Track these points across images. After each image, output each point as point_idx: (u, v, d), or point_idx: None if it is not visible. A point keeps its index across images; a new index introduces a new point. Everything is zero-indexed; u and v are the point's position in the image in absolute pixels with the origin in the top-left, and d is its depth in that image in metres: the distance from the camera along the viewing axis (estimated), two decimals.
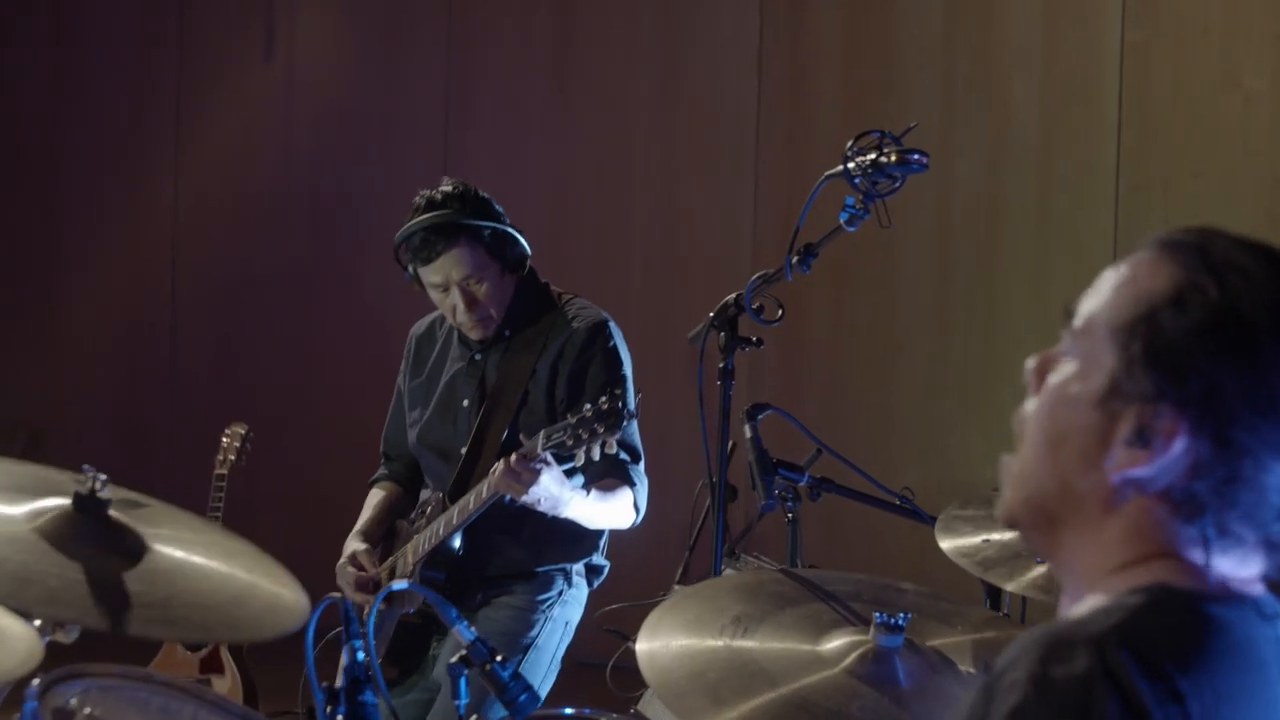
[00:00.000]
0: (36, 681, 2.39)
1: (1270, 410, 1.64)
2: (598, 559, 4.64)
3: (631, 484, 4.44)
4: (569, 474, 4.26)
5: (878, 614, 2.75)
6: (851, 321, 7.85)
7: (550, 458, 4.09)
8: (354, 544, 4.64)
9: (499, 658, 2.68)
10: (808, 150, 8.02)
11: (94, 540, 2.45)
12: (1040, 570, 3.54)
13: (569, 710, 2.87)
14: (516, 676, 2.67)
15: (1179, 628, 1.62)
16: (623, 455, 4.33)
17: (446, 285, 4.46)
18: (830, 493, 3.05)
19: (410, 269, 4.52)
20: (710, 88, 8.32)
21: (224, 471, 6.49)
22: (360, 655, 2.62)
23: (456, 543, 4.46)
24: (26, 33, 9.76)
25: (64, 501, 2.52)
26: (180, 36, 9.59)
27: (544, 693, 4.55)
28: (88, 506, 2.49)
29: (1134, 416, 1.66)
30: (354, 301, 8.99)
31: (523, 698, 2.67)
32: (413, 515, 4.69)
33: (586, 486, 4.37)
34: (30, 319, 9.84)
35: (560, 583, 4.55)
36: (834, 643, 2.79)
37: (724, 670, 2.71)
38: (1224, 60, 7.25)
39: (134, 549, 2.48)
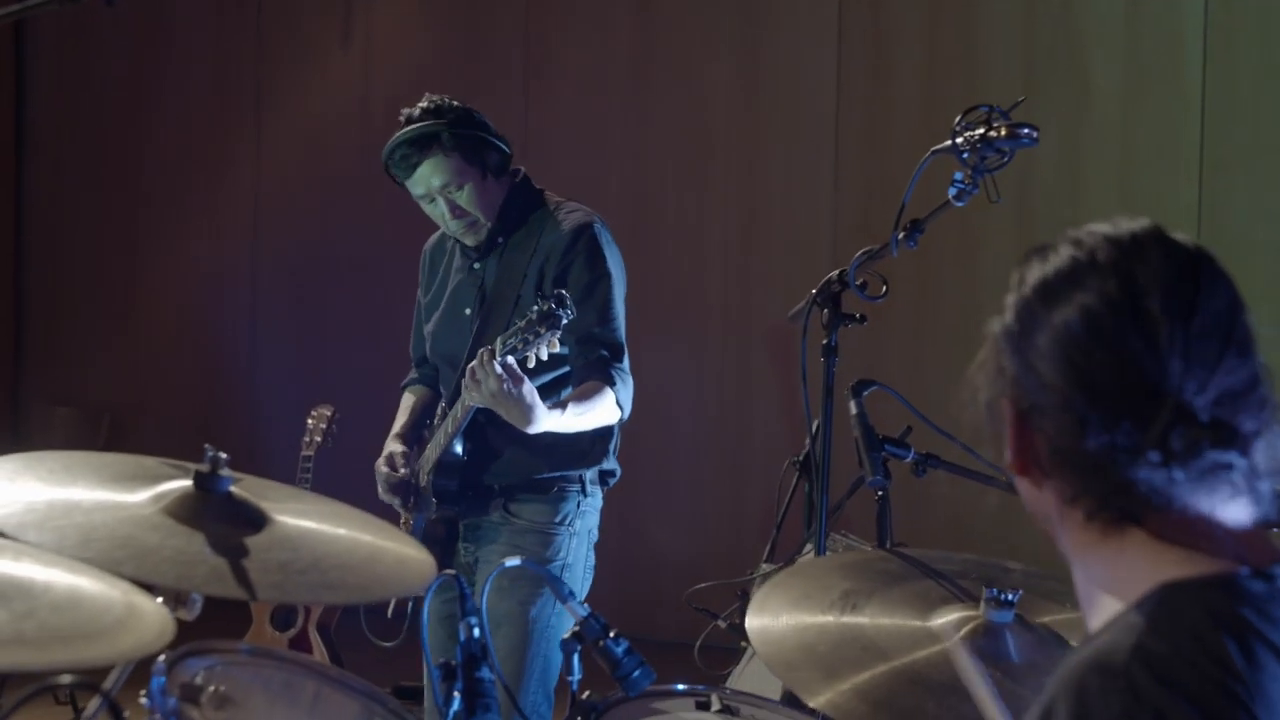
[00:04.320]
0: (162, 657, 2.42)
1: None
2: (609, 464, 4.63)
3: (612, 383, 4.42)
4: (552, 385, 4.37)
5: (988, 589, 2.74)
6: (934, 298, 7.83)
7: (501, 368, 4.11)
8: (391, 445, 4.75)
9: (612, 633, 2.68)
10: (887, 126, 8.00)
11: (224, 516, 2.47)
12: None
13: (681, 686, 2.87)
14: (630, 652, 2.67)
15: (1200, 643, 1.62)
16: (604, 352, 4.40)
17: (430, 196, 4.58)
18: (936, 469, 3.03)
19: (402, 185, 4.65)
20: (789, 63, 8.30)
21: (310, 453, 6.54)
22: (476, 631, 2.63)
23: (459, 449, 4.54)
24: (109, 21, 9.82)
25: (185, 484, 2.54)
26: (259, 23, 9.63)
27: (584, 592, 4.58)
28: (210, 484, 2.52)
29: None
30: None
31: (636, 673, 2.68)
32: (430, 421, 4.77)
33: (564, 399, 4.39)
34: (112, 305, 9.92)
35: (575, 494, 4.56)
36: (944, 618, 2.79)
37: (836, 644, 2.72)
38: None
39: (260, 521, 2.50)
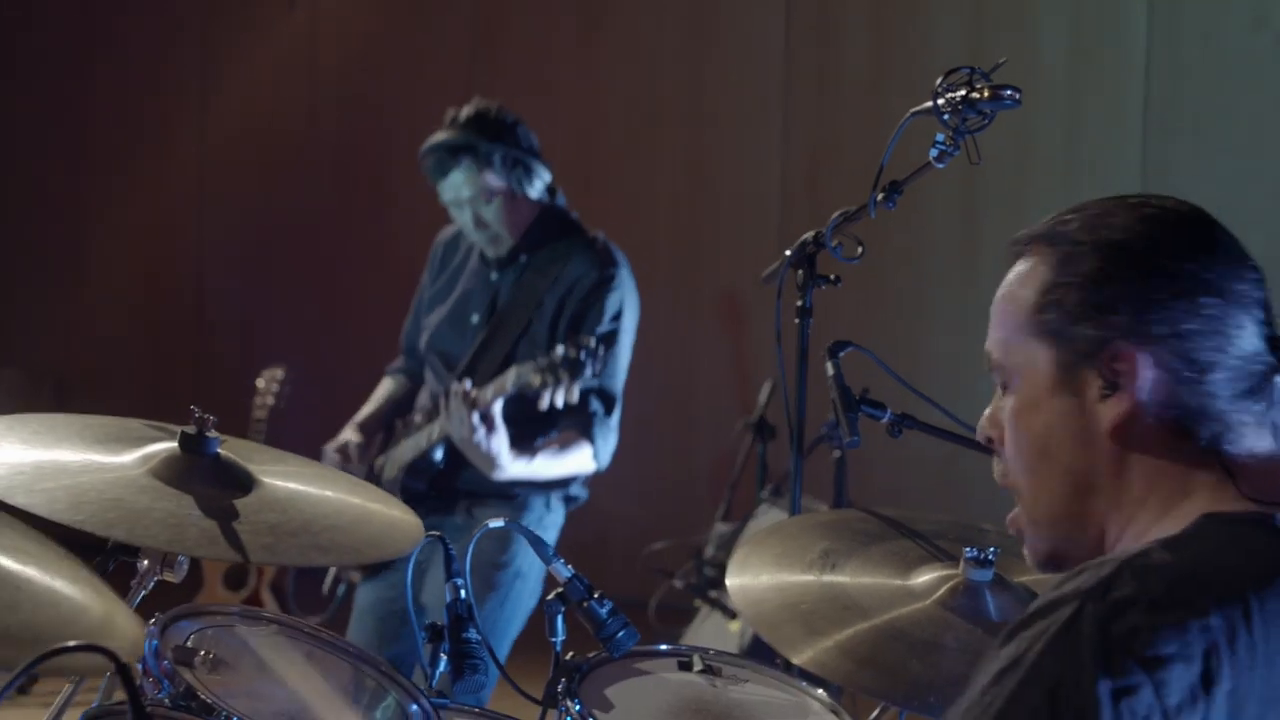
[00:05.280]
0: (154, 620, 2.41)
1: (1190, 292, 1.75)
2: (576, 489, 4.66)
3: (592, 439, 4.49)
4: (538, 421, 4.35)
5: (968, 549, 2.77)
6: (880, 263, 7.83)
7: (478, 419, 4.14)
8: (348, 433, 4.77)
9: (596, 594, 2.69)
10: (835, 88, 8.01)
11: (212, 478, 2.46)
12: None
13: (664, 646, 2.88)
14: (615, 612, 2.68)
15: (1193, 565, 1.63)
16: (594, 406, 4.44)
17: (458, 203, 4.58)
18: (912, 429, 3.05)
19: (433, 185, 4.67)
20: (738, 27, 8.30)
21: (262, 416, 6.51)
22: (463, 593, 2.64)
23: (438, 455, 4.57)
24: None
25: (170, 445, 2.52)
26: None
27: (529, 611, 4.58)
28: (197, 446, 2.51)
29: (1094, 374, 1.75)
30: (380, 245, 8.99)
31: (620, 634, 2.68)
32: (408, 417, 4.77)
33: (539, 445, 4.43)
34: (56, 267, 9.83)
35: (539, 507, 4.59)
36: (923, 577, 2.82)
37: (817, 602, 2.73)
38: (1254, 0, 7.25)
39: (248, 483, 2.49)
